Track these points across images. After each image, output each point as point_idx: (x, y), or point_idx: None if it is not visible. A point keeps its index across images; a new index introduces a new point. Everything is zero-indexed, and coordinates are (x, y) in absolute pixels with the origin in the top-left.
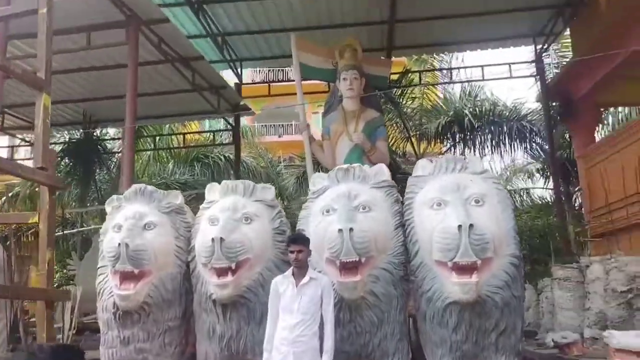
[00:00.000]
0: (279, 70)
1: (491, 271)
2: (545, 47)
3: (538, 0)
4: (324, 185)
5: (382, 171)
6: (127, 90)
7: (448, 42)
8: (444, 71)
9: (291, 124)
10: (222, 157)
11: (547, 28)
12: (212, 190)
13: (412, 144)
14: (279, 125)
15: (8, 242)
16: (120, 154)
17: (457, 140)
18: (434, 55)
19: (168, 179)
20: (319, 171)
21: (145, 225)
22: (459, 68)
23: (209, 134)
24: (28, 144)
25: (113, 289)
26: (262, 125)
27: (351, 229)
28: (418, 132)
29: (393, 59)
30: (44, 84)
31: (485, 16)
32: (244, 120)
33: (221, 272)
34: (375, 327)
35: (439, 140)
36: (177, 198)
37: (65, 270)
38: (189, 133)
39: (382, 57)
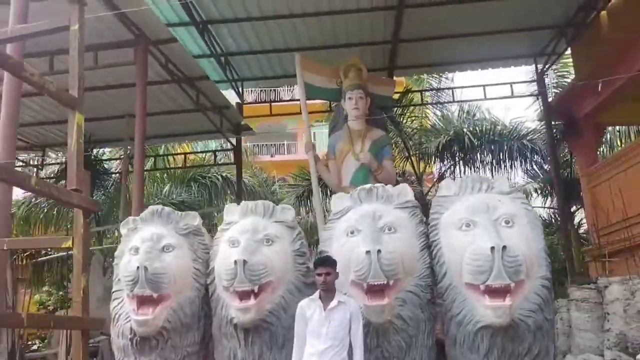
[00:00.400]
0: (271, 90)
1: (524, 294)
2: (546, 67)
3: (539, 21)
4: (346, 205)
5: (405, 191)
6: (136, 110)
7: (449, 61)
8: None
9: (283, 144)
10: (219, 177)
11: (549, 48)
12: (231, 211)
13: (411, 163)
14: (271, 145)
15: None
16: (117, 175)
17: (457, 160)
18: (433, 75)
19: (165, 199)
20: (324, 191)
21: (164, 247)
22: (461, 87)
23: (204, 154)
24: (23, 164)
25: (130, 314)
26: (254, 145)
27: (379, 251)
28: (418, 152)
29: (394, 78)
30: (77, 102)
31: (487, 36)
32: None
33: (244, 296)
34: (403, 352)
35: (438, 160)
36: (194, 219)
37: (61, 293)
38: (187, 153)
39: (383, 77)
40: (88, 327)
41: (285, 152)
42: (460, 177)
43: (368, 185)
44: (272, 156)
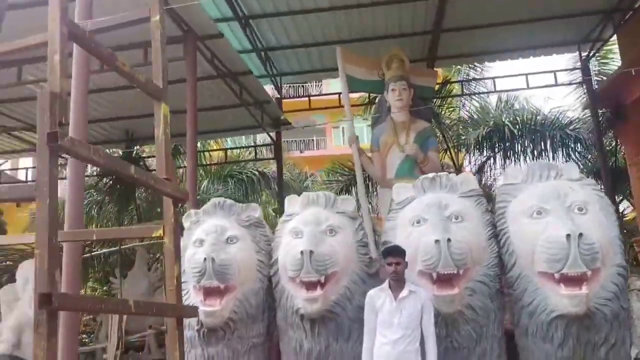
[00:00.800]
0: (299, 85)
1: (600, 282)
2: (591, 53)
3: (584, 6)
4: (409, 195)
5: (469, 180)
6: (187, 106)
7: (490, 50)
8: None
9: (312, 139)
10: (255, 173)
11: (594, 34)
12: (292, 203)
13: (450, 155)
14: (301, 140)
15: None
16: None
17: (497, 151)
18: (470, 65)
19: (203, 195)
20: (368, 184)
21: (228, 239)
22: (502, 77)
23: (238, 150)
24: (65, 161)
25: (198, 305)
26: (283, 141)
27: (449, 240)
28: (457, 143)
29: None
30: (162, 93)
31: (530, 23)
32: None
33: (310, 286)
34: (473, 342)
35: (477, 151)
36: (255, 211)
37: (105, 288)
38: (226, 149)
39: (424, 68)
40: (183, 315)
41: (315, 148)
42: (502, 168)
43: (431, 174)
44: (301, 152)
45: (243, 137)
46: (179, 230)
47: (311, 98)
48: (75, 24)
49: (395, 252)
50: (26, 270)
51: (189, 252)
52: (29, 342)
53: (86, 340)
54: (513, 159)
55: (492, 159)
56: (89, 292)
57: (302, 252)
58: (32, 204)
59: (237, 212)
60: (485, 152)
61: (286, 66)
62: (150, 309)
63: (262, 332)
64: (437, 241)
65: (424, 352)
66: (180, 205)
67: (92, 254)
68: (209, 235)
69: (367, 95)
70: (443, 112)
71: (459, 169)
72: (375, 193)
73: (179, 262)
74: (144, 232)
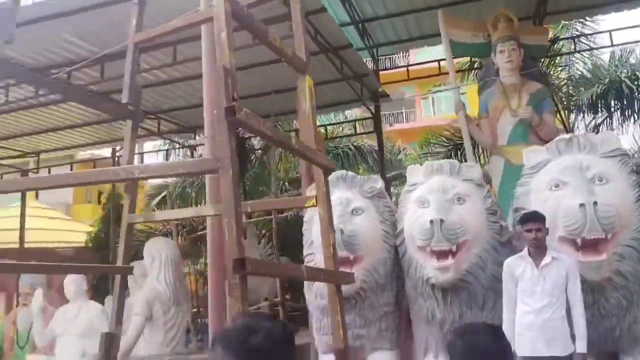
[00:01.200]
0: (386, 58)
1: None
2: None
3: None
4: (543, 158)
5: (611, 139)
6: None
7: (606, 1)
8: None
9: (402, 112)
10: (351, 147)
11: None
12: (414, 172)
13: (560, 117)
14: (390, 114)
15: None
16: (260, 150)
17: (613, 110)
18: (580, 20)
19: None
20: (478, 152)
21: (353, 210)
22: (620, 29)
23: (332, 126)
24: (181, 146)
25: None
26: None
27: (595, 203)
28: (568, 104)
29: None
30: (306, 66)
31: None
32: (356, 111)
33: (441, 255)
34: (623, 310)
35: (591, 112)
36: (377, 182)
37: None
38: (326, 125)
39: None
40: (341, 281)
41: (404, 120)
42: (620, 129)
43: (567, 135)
44: (390, 125)
45: (332, 114)
46: (329, 198)
47: (404, 68)
48: (235, 1)
49: (535, 218)
50: (151, 248)
51: (316, 225)
52: (159, 316)
53: (203, 311)
54: (633, 118)
55: (608, 119)
56: (203, 267)
57: (431, 221)
58: (144, 186)
59: (360, 184)
60: (600, 112)
61: (382, 37)
62: (318, 275)
63: (392, 300)
64: (581, 205)
65: (570, 320)
66: (330, 174)
67: (202, 232)
68: (335, 207)
69: (464, 61)
70: (551, 72)
71: (570, 132)
72: (477, 161)
73: (333, 229)
74: (296, 203)
